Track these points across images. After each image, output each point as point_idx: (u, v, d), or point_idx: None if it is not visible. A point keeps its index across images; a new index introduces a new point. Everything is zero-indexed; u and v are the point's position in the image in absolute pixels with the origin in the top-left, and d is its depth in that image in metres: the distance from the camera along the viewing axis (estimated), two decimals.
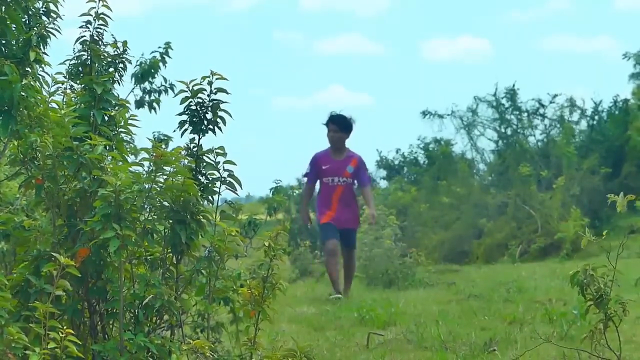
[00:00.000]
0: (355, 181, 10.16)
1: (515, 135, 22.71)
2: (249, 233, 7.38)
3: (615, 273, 4.43)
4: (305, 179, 10.38)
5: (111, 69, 4.33)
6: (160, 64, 8.90)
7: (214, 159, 4.36)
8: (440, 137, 24.10)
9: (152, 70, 8.86)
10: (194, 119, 4.40)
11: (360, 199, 10.92)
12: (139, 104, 8.99)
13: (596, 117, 22.48)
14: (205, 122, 4.41)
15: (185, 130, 4.42)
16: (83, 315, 4.13)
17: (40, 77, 4.11)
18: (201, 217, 4.19)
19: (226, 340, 5.56)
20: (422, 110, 23.55)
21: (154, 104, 9.07)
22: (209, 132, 4.42)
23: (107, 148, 4.04)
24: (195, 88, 4.38)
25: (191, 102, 4.41)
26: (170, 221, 4.12)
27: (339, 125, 9.96)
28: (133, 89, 8.94)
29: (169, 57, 8.90)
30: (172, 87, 9.05)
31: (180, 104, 4.41)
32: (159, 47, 8.86)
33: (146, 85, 9.00)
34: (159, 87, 9.07)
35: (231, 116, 4.42)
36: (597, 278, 4.42)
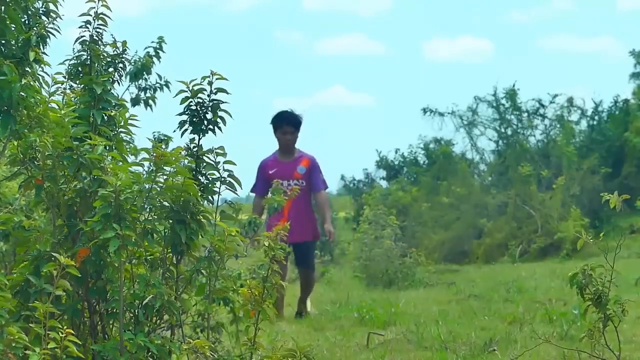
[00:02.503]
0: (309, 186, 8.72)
1: (516, 135, 22.73)
2: (249, 233, 7.37)
3: (613, 273, 4.43)
4: (253, 194, 8.75)
5: (111, 69, 4.33)
6: (155, 60, 8.89)
7: (214, 159, 4.36)
8: (440, 137, 24.13)
9: (145, 69, 8.85)
10: (194, 119, 4.40)
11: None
12: (135, 101, 8.98)
13: (596, 117, 22.50)
14: (205, 122, 4.40)
15: (185, 130, 4.41)
16: (83, 315, 4.12)
17: (40, 77, 4.10)
18: (201, 217, 4.19)
19: (226, 340, 5.56)
20: (423, 107, 23.56)
21: (150, 102, 9.05)
22: (209, 132, 4.42)
23: (107, 148, 4.04)
24: (196, 88, 4.37)
25: (191, 102, 4.40)
26: (170, 221, 4.12)
27: (296, 125, 8.71)
28: (128, 86, 8.93)
29: (163, 51, 8.88)
30: (167, 84, 9.04)
31: (181, 104, 4.41)
32: (152, 42, 8.85)
33: (141, 82, 8.99)
34: (153, 85, 9.05)
35: (231, 116, 4.41)
36: (595, 278, 4.42)
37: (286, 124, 8.69)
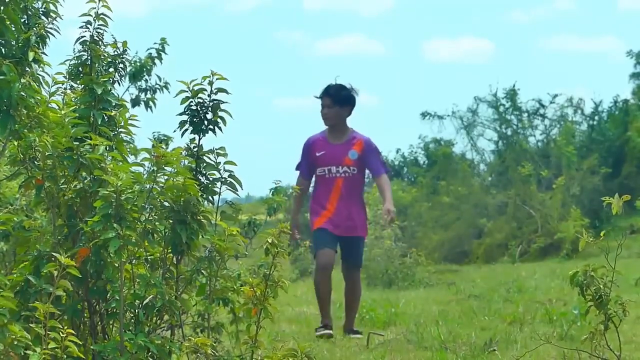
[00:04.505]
0: (367, 170, 7.60)
1: (515, 136, 22.74)
2: (249, 233, 7.36)
3: (614, 273, 4.43)
4: (298, 173, 7.64)
5: (111, 69, 4.33)
6: (157, 61, 8.90)
7: (214, 159, 4.36)
8: (440, 137, 24.16)
9: (144, 70, 8.86)
10: (195, 119, 4.40)
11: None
12: (135, 102, 8.99)
13: (596, 117, 22.51)
14: (206, 122, 4.40)
15: (186, 130, 4.41)
16: (83, 315, 4.12)
17: (39, 77, 4.10)
18: (202, 217, 4.19)
19: (226, 340, 5.56)
20: (422, 111, 23.60)
21: (150, 103, 9.06)
22: (209, 132, 4.42)
23: (107, 148, 4.04)
24: (196, 88, 4.37)
25: (192, 102, 4.40)
26: (171, 221, 4.12)
27: (334, 98, 7.44)
28: (128, 87, 8.95)
29: (165, 53, 8.90)
30: (166, 85, 9.05)
31: (181, 104, 4.41)
32: (155, 44, 8.87)
33: (141, 83, 9.00)
34: (153, 86, 9.06)
35: (231, 116, 4.41)
36: (596, 279, 4.42)
37: (324, 95, 7.50)
